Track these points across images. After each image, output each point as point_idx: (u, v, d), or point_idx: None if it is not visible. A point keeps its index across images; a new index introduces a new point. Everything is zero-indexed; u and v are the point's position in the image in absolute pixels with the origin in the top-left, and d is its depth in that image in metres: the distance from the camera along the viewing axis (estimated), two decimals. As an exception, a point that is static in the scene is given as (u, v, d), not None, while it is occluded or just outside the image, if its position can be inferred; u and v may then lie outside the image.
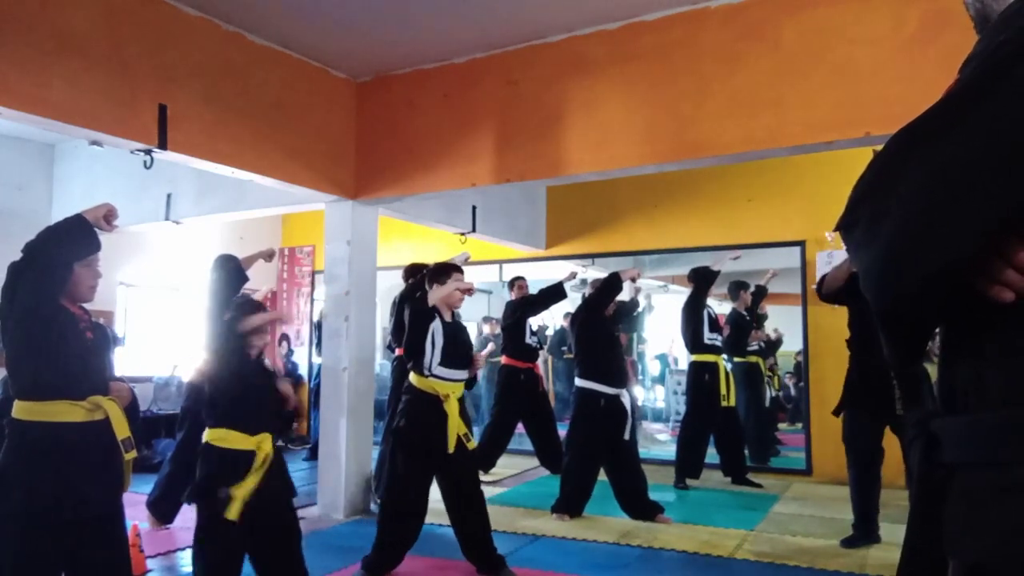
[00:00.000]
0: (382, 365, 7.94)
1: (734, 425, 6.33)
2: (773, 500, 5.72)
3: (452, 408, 3.77)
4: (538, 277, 7.40)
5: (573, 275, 6.57)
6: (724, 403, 6.12)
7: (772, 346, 7.56)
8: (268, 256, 5.49)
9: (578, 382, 5.18)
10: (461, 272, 3.95)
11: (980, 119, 0.76)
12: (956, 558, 0.82)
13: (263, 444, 2.95)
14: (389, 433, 4.56)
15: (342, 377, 5.35)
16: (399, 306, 5.22)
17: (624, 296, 5.51)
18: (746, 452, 6.54)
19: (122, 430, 2.67)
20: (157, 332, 7.93)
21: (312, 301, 8.96)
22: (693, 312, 6.12)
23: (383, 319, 6.86)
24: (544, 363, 7.97)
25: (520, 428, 6.78)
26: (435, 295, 3.83)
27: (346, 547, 4.31)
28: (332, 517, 5.20)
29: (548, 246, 8.04)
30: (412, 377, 3.85)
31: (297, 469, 6.56)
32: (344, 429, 5.30)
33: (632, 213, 7.55)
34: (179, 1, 4.28)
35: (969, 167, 0.75)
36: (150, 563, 4.04)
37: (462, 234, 6.82)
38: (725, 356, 6.39)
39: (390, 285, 6.46)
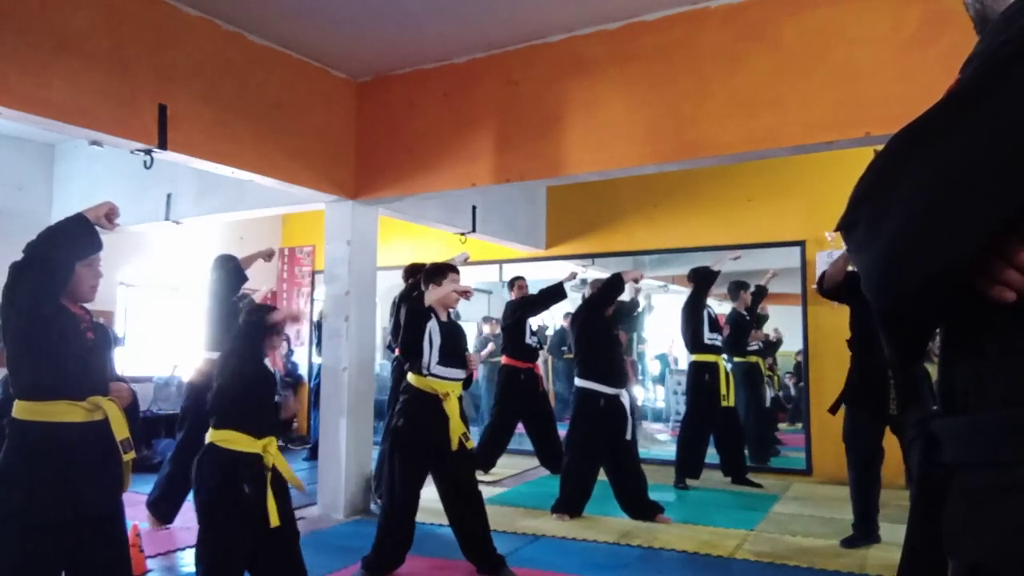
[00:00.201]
0: (382, 365, 7.94)
1: (734, 425, 6.33)
2: (773, 500, 5.72)
3: (452, 407, 3.77)
4: (538, 277, 7.40)
5: (573, 275, 6.57)
6: (724, 403, 6.12)
7: (772, 346, 7.56)
8: (268, 256, 5.51)
9: (578, 382, 5.18)
10: (457, 272, 3.96)
11: (981, 119, 0.76)
12: (956, 558, 0.82)
13: (269, 447, 2.96)
14: (389, 433, 4.56)
15: (342, 377, 5.35)
16: (398, 306, 5.22)
17: (624, 296, 5.51)
18: (746, 452, 6.54)
19: (121, 431, 2.66)
20: (157, 332, 7.93)
21: (312, 301, 8.96)
22: (693, 312, 6.12)
23: (383, 319, 6.86)
24: (544, 363, 7.97)
25: (520, 428, 6.78)
26: (432, 296, 3.83)
27: (346, 547, 4.31)
28: (332, 517, 5.20)
29: (548, 246, 8.04)
30: (410, 377, 3.85)
31: (297, 469, 6.54)
32: (344, 429, 5.31)
33: (632, 213, 7.55)
34: (179, 1, 4.28)
35: (970, 167, 0.75)
36: (150, 563, 4.04)
37: (462, 234, 6.82)
38: (725, 356, 6.39)
39: (390, 285, 6.46)
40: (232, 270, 4.92)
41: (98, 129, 3.93)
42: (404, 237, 8.06)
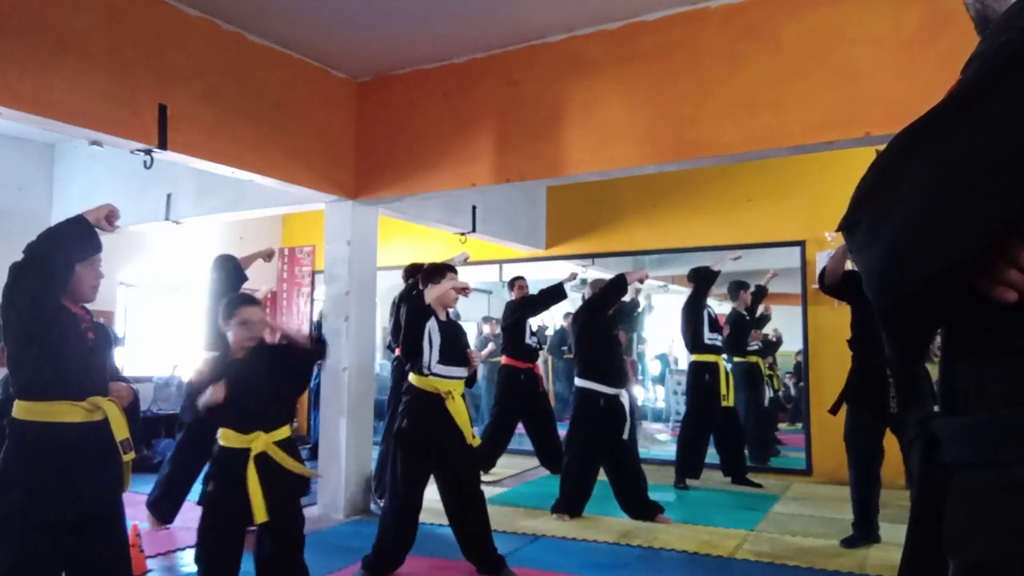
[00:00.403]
0: (382, 365, 7.94)
1: (734, 425, 6.34)
2: (773, 500, 5.72)
3: (457, 405, 3.78)
4: (538, 277, 7.40)
5: (573, 276, 6.57)
6: (724, 403, 6.12)
7: (771, 346, 7.56)
8: (267, 256, 5.51)
9: (578, 382, 5.18)
10: (455, 272, 3.97)
11: (983, 120, 0.76)
12: (956, 558, 0.82)
13: (255, 443, 2.96)
14: (389, 433, 4.57)
15: (342, 377, 5.35)
16: (398, 306, 5.23)
17: (624, 296, 5.50)
18: (746, 452, 6.54)
19: (121, 431, 2.66)
20: (157, 332, 7.93)
21: (312, 301, 8.96)
22: (693, 312, 6.12)
23: (383, 319, 6.86)
24: (544, 363, 7.97)
25: (520, 428, 6.78)
26: (430, 294, 3.84)
27: (346, 547, 4.31)
28: (332, 517, 5.20)
29: (548, 246, 8.04)
30: (412, 377, 3.85)
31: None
32: (344, 429, 5.31)
33: (632, 213, 7.55)
34: (179, 1, 4.28)
35: (972, 167, 0.75)
36: (150, 563, 4.04)
37: (462, 234, 6.82)
38: (725, 356, 6.39)
39: (390, 285, 6.46)
40: (231, 270, 4.92)
41: (98, 129, 3.93)
42: (404, 237, 8.06)
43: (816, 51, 3.95)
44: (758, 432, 6.92)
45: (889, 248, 0.79)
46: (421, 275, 4.04)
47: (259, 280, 6.75)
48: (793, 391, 7.77)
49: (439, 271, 3.94)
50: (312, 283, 9.00)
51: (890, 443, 4.35)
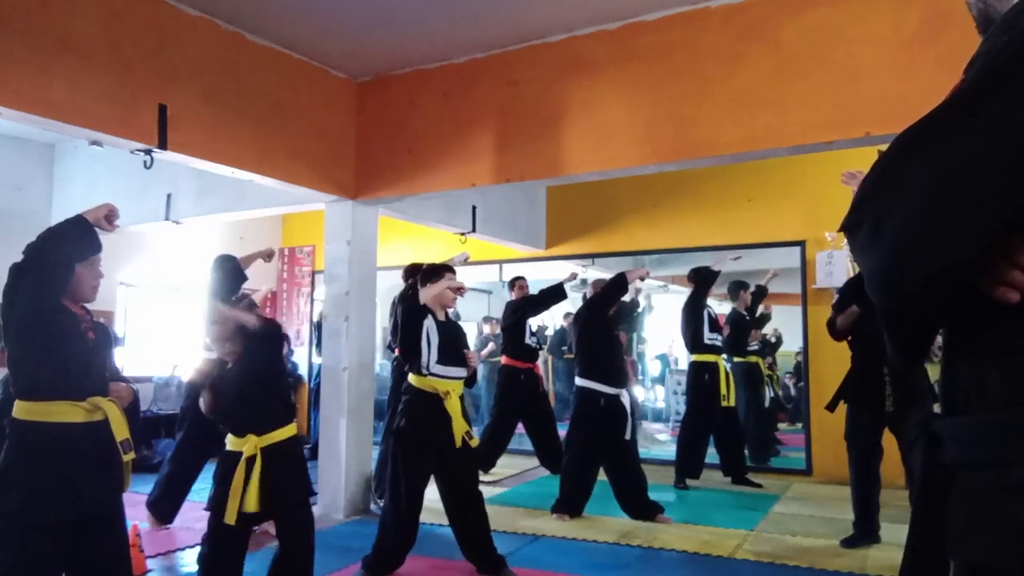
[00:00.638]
0: (382, 365, 7.94)
1: (734, 425, 6.33)
2: (773, 500, 5.72)
3: (453, 405, 3.77)
4: (538, 277, 7.41)
5: (574, 276, 6.57)
6: (724, 403, 6.12)
7: (771, 346, 7.56)
8: (267, 256, 5.49)
9: (578, 382, 5.18)
10: (454, 273, 3.97)
11: (985, 120, 0.76)
12: (957, 558, 0.82)
13: (247, 446, 2.98)
14: (389, 433, 4.56)
15: (342, 377, 5.35)
16: (398, 306, 5.22)
17: (624, 296, 5.50)
18: (746, 452, 6.54)
19: (121, 432, 2.67)
20: (157, 332, 7.93)
21: (312, 301, 8.96)
22: (693, 312, 6.12)
23: (383, 319, 6.86)
24: (544, 363, 7.97)
25: (520, 428, 6.78)
26: (426, 293, 3.84)
27: (346, 547, 4.31)
28: (332, 517, 5.20)
29: (548, 246, 8.04)
30: (411, 377, 3.85)
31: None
32: (344, 429, 5.30)
33: (632, 213, 7.55)
34: (179, 1, 4.28)
35: (973, 168, 0.75)
36: (150, 563, 4.04)
37: (462, 234, 6.82)
38: (725, 356, 6.39)
39: (390, 285, 6.46)
40: (231, 270, 4.90)
41: (98, 129, 3.93)
42: (404, 237, 8.06)
43: (816, 51, 3.95)
44: (758, 432, 6.92)
45: (890, 248, 0.79)
46: (420, 276, 4.04)
47: (259, 280, 6.75)
48: (793, 391, 7.78)
49: (437, 272, 3.94)
50: (312, 283, 9.01)
51: (889, 443, 4.35)
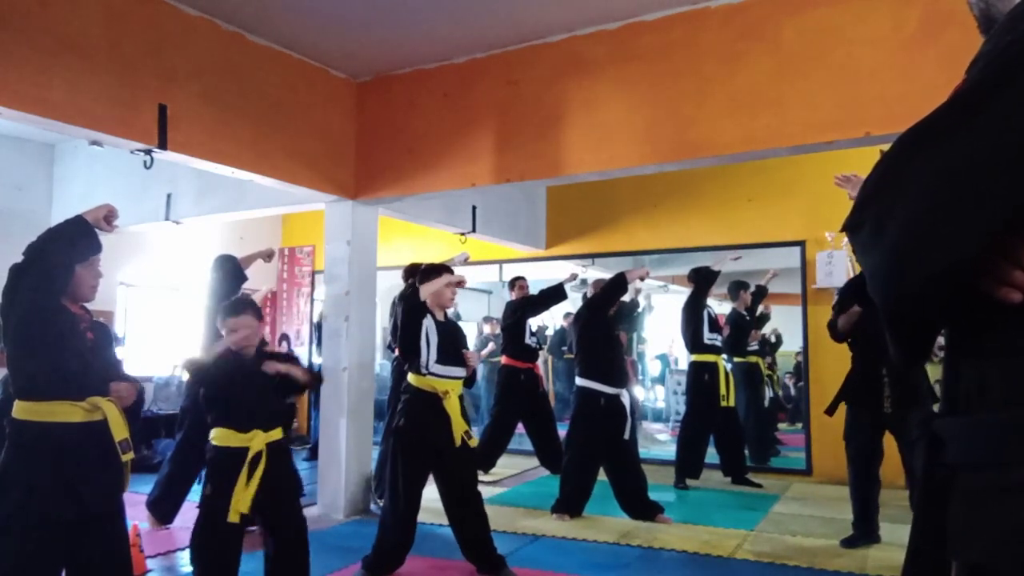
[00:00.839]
0: (382, 365, 7.94)
1: (734, 425, 6.33)
2: (773, 500, 5.72)
3: (453, 405, 3.77)
4: (538, 277, 7.41)
5: (574, 276, 6.57)
6: (724, 403, 6.12)
7: (770, 346, 7.56)
8: (267, 256, 5.50)
9: (578, 381, 5.18)
10: (452, 272, 3.97)
11: (987, 120, 0.76)
12: (958, 558, 0.82)
13: (253, 442, 2.96)
14: (389, 433, 4.56)
15: (342, 377, 5.35)
16: (398, 306, 5.22)
17: (624, 296, 5.51)
18: (746, 452, 6.54)
19: (119, 432, 2.67)
20: (157, 332, 7.93)
21: (312, 301, 8.96)
22: (693, 312, 6.12)
23: (383, 319, 6.86)
24: (544, 363, 7.97)
25: (520, 428, 6.78)
26: (425, 291, 3.85)
27: (346, 547, 4.31)
28: (332, 517, 5.20)
29: (548, 246, 8.04)
30: (410, 376, 3.85)
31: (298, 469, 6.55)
32: (344, 429, 5.30)
33: (632, 213, 7.55)
34: (179, 1, 4.28)
35: (975, 168, 0.75)
36: (150, 563, 4.04)
37: (462, 234, 6.82)
38: (725, 356, 6.39)
39: (390, 285, 6.46)
40: (231, 270, 4.91)
41: (98, 129, 3.93)
42: (404, 237, 8.06)
43: (816, 51, 3.94)
44: (758, 432, 6.91)
45: (891, 248, 0.79)
46: (418, 276, 4.04)
47: (259, 280, 6.75)
48: (793, 391, 7.77)
49: (436, 271, 3.95)
50: (312, 283, 9.01)
51: (889, 443, 4.35)
